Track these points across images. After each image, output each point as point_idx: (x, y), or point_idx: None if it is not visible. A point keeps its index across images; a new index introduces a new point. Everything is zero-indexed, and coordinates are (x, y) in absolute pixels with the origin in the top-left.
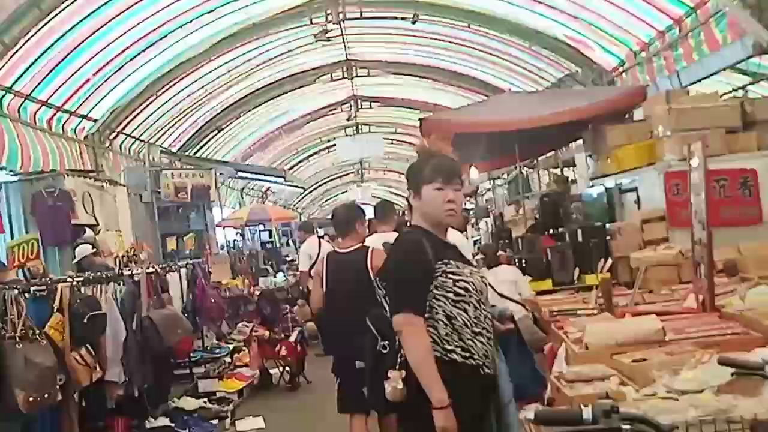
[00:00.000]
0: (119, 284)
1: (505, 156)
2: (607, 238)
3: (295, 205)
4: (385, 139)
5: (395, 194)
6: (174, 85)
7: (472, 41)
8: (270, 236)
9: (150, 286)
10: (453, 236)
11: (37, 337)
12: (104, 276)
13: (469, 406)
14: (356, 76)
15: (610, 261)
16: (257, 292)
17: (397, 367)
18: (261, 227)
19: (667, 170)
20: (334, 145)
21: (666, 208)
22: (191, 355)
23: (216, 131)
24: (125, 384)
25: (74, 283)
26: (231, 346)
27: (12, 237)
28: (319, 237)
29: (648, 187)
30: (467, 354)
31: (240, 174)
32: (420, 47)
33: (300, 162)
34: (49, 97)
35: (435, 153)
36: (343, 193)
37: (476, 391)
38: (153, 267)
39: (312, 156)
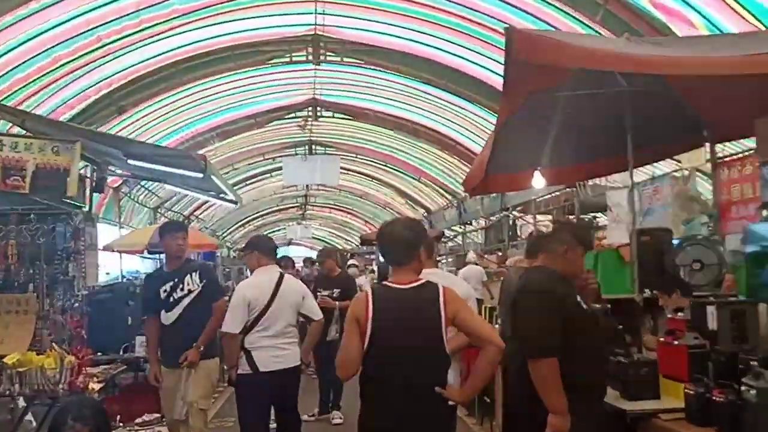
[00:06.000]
0: None
1: (602, 159)
2: None
3: (222, 237)
4: (341, 168)
5: (339, 236)
6: (43, 10)
7: None
8: None
9: None
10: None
11: None
12: None
13: None
14: (324, 62)
15: None
16: (98, 386)
17: None
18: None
19: None
20: (280, 167)
21: None
22: None
23: (116, 113)
24: None
25: None
26: None
27: None
28: (284, 270)
29: None
30: None
31: (131, 162)
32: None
33: (235, 185)
34: None
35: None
36: (281, 229)
37: None
38: None
39: (250, 180)
